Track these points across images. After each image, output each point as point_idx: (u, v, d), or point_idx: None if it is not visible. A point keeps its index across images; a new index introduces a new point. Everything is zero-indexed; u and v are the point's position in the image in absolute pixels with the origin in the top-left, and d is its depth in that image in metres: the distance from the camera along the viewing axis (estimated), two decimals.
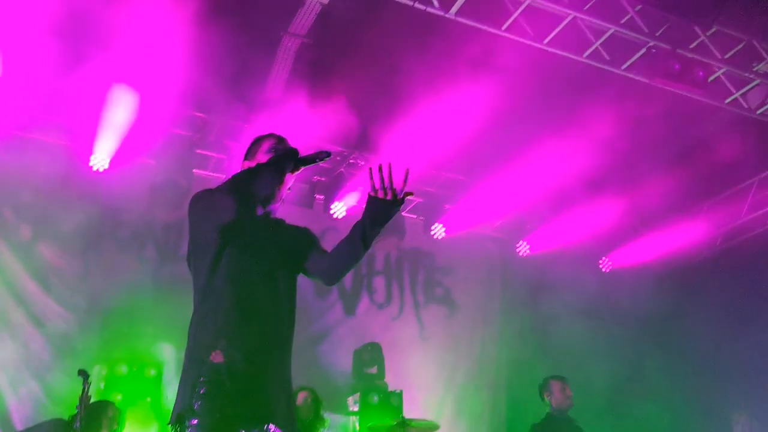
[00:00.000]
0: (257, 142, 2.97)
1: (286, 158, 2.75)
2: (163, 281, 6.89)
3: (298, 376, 6.64)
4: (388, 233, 8.31)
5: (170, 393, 6.68)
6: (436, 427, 5.37)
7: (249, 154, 2.95)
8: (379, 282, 8.47)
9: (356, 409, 7.31)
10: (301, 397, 6.14)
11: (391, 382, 7.57)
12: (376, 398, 7.16)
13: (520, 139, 6.99)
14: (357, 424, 7.15)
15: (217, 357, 2.45)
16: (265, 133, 3.08)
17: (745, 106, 6.79)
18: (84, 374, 4.34)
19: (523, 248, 8.83)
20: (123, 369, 6.25)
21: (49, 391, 6.22)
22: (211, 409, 2.36)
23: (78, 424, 4.28)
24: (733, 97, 6.70)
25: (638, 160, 7.26)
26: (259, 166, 2.77)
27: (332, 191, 7.82)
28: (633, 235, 8.56)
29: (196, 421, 2.34)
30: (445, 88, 6.23)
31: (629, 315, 8.47)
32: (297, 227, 2.98)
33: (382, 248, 8.48)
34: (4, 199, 6.66)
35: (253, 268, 2.65)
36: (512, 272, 8.80)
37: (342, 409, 7.43)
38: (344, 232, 9.27)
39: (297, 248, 2.88)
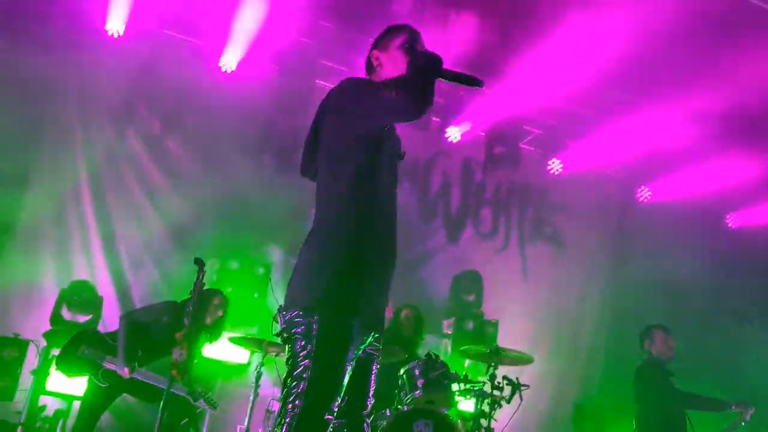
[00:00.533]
0: (391, 32, 2.78)
1: (438, 69, 2.51)
2: (278, 187, 7.11)
3: (397, 295, 6.82)
4: (502, 163, 8.14)
5: (276, 292, 7.01)
6: (531, 360, 5.32)
7: (381, 43, 2.78)
8: (486, 212, 8.36)
9: (450, 332, 7.41)
10: (404, 314, 6.27)
11: (488, 312, 7.57)
12: (471, 324, 7.21)
13: (655, 77, 6.53)
14: (449, 347, 7.26)
15: (353, 259, 2.46)
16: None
17: None
18: (200, 263, 4.59)
19: (645, 194, 8.43)
20: (234, 265, 6.58)
21: (165, 276, 6.68)
22: (340, 305, 2.40)
23: (191, 308, 4.57)
24: None
25: None
26: (424, 76, 2.49)
27: (450, 114, 7.69)
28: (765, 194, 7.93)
29: (318, 316, 2.37)
30: (582, 17, 5.86)
31: (751, 275, 7.97)
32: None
33: (493, 178, 8.33)
34: (139, 92, 7.01)
35: (385, 179, 2.63)
36: (630, 218, 8.42)
37: (436, 330, 7.54)
38: (456, 157, 9.15)
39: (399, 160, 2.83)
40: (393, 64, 2.70)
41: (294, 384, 2.33)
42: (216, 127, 7.04)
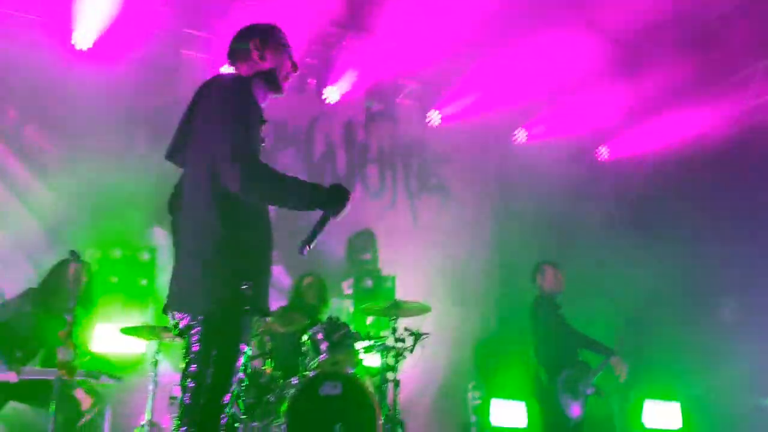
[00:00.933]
0: (271, 28, 2.91)
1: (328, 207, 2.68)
2: (153, 166, 6.77)
3: (294, 262, 6.77)
4: (382, 120, 8.18)
5: (164, 276, 6.75)
6: (428, 309, 5.45)
7: (260, 37, 2.84)
8: (372, 170, 8.40)
9: (350, 293, 7.46)
10: (306, 282, 6.20)
11: (385, 268, 7.67)
12: (369, 282, 7.28)
13: (522, 24, 6.69)
14: (351, 307, 7.31)
15: (241, 257, 2.54)
16: (258, 18, 2.99)
17: None
18: (75, 254, 4.32)
19: (521, 136, 8.73)
20: (117, 253, 6.27)
21: (42, 274, 6.23)
22: (236, 305, 2.49)
23: (72, 304, 4.29)
24: None
25: (642, 45, 7.00)
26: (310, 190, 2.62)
27: (324, 75, 7.58)
28: (633, 124, 8.41)
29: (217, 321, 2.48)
30: None
31: (623, 203, 8.50)
32: None
33: (375, 136, 8.35)
34: None
35: None
36: (508, 160, 8.71)
37: (337, 293, 7.56)
38: (337, 118, 9.11)
39: None
40: (276, 59, 2.83)
41: (192, 382, 2.40)
42: (78, 110, 6.60)
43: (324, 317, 5.98)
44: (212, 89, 2.62)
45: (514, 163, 8.65)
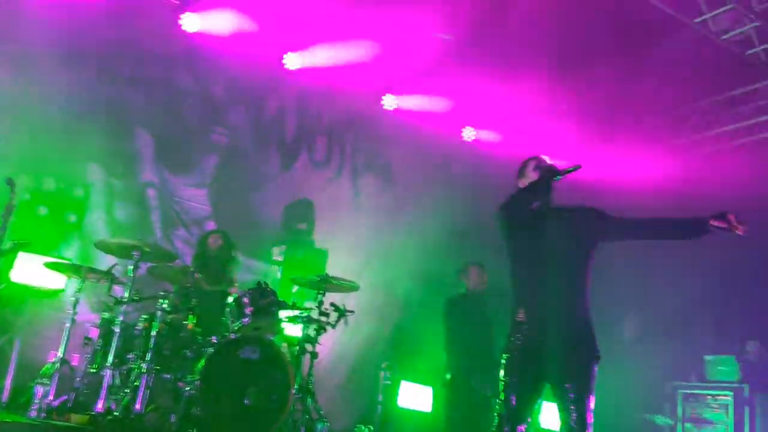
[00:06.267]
0: (524, 165, 3.71)
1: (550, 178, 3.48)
2: (99, 103, 6.63)
3: (226, 221, 6.68)
4: (340, 95, 8.17)
5: (95, 215, 6.63)
6: (356, 287, 5.55)
7: (521, 174, 3.69)
8: (321, 141, 8.37)
9: (280, 259, 7.48)
10: (212, 240, 6.07)
11: (319, 240, 7.71)
12: (301, 252, 7.33)
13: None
14: (279, 273, 7.34)
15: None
16: None
17: (712, 29, 6.74)
18: (11, 183, 4.20)
19: (468, 134, 8.85)
20: (50, 184, 6.10)
21: None
22: None
23: (2, 231, 4.18)
24: (703, 18, 6.62)
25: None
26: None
27: (288, 40, 7.50)
28: None
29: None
30: None
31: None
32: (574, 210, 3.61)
33: (330, 108, 8.32)
34: None
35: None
36: (456, 154, 8.81)
37: (266, 257, 7.58)
38: (294, 84, 8.84)
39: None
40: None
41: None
42: (27, 34, 6.35)
43: (233, 274, 5.93)
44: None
45: (459, 158, 8.77)
